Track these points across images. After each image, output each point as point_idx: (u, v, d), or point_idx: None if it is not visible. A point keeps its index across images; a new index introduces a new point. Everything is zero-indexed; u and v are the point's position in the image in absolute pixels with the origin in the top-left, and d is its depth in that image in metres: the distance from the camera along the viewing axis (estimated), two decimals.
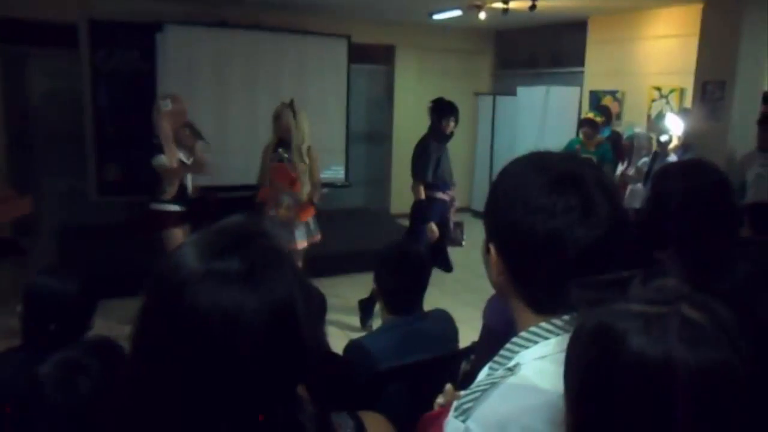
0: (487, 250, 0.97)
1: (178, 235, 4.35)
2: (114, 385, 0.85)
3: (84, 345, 1.47)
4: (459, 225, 5.03)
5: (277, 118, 4.44)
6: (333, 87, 7.74)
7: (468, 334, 2.33)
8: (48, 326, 1.85)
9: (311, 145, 4.52)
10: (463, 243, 5.12)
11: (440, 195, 4.91)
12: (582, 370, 0.69)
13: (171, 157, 4.27)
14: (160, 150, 4.26)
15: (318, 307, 2.07)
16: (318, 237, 4.72)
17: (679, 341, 0.63)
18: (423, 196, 4.83)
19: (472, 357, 2.14)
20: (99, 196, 6.76)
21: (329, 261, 5.85)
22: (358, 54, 8.03)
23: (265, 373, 0.75)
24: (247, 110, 6.98)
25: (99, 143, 6.75)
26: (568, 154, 1.01)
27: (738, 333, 0.65)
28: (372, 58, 8.67)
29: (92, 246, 5.90)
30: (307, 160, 4.46)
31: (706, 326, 0.64)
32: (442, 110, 4.87)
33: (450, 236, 4.94)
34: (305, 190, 4.48)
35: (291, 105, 4.47)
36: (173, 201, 4.38)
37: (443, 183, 4.91)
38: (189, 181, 4.54)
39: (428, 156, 4.84)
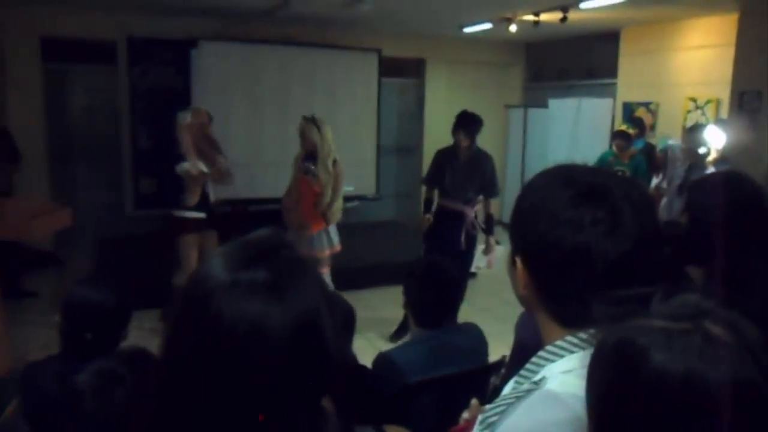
0: (513, 263, 0.97)
1: (193, 241, 4.54)
2: (146, 394, 0.87)
3: (120, 355, 1.51)
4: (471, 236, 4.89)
5: (302, 134, 4.53)
6: (364, 100, 7.80)
7: (500, 349, 2.31)
8: (84, 336, 1.89)
9: (337, 158, 4.58)
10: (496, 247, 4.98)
11: (448, 203, 4.88)
12: (604, 386, 0.69)
13: (193, 166, 4.45)
14: (183, 159, 4.48)
15: (346, 319, 2.08)
16: (338, 248, 4.76)
17: (701, 358, 0.62)
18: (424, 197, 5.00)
19: (502, 371, 2.12)
20: (135, 210, 6.92)
21: (359, 273, 5.87)
22: (389, 67, 8.09)
23: (289, 383, 0.76)
24: (279, 124, 7.08)
25: (135, 157, 6.92)
26: (595, 167, 1.00)
27: (764, 351, 0.64)
28: (402, 71, 8.71)
29: (128, 258, 6.03)
30: (332, 172, 4.53)
31: (728, 343, 0.63)
32: (454, 123, 4.89)
33: (460, 248, 4.81)
34: (325, 200, 4.55)
35: (313, 119, 4.55)
36: (193, 208, 4.57)
37: (453, 193, 4.87)
38: (211, 190, 4.69)
39: (433, 165, 4.96)
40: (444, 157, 4.93)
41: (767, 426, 0.63)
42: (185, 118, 4.54)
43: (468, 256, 4.85)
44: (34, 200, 5.13)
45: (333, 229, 4.73)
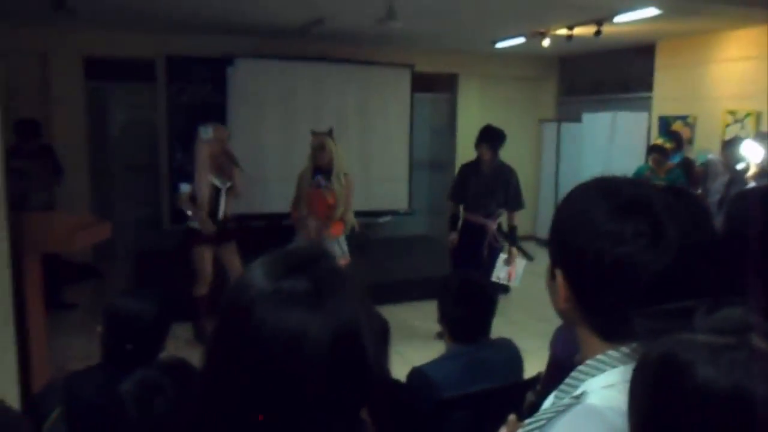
0: (553, 277, 0.96)
1: (206, 252, 4.67)
2: (186, 404, 0.89)
3: (161, 365, 1.53)
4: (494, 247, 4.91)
5: (322, 148, 4.65)
6: (396, 116, 7.84)
7: (535, 364, 2.29)
8: (125, 346, 1.93)
9: (347, 171, 4.77)
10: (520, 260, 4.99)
11: (472, 217, 4.97)
12: (646, 402, 0.68)
13: (201, 181, 4.57)
14: (188, 177, 4.62)
15: (381, 333, 2.08)
16: (348, 259, 4.85)
17: (747, 373, 0.61)
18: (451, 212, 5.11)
19: (538, 387, 2.09)
20: (171, 224, 7.05)
21: (392, 288, 5.86)
22: (421, 83, 8.12)
23: (328, 394, 0.76)
24: None
25: (172, 173, 7.05)
26: (636, 179, 0.99)
27: None
28: (435, 86, 8.74)
29: (164, 271, 6.13)
30: (344, 184, 4.72)
31: None
32: (477, 137, 5.03)
33: (481, 261, 4.85)
34: (339, 212, 4.72)
35: (330, 134, 4.71)
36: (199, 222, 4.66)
37: (476, 206, 4.95)
38: (222, 204, 4.78)
39: (457, 179, 5.13)
40: (468, 170, 5.04)
41: None
42: (207, 133, 4.66)
43: (490, 269, 4.87)
44: (76, 214, 5.27)
45: (342, 240, 4.86)
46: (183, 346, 4.24)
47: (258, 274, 0.81)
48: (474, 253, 4.85)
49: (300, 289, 0.78)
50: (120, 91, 7.39)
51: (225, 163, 4.73)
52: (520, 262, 4.98)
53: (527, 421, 0.90)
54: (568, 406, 0.86)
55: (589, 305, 0.91)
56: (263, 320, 0.75)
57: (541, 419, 0.88)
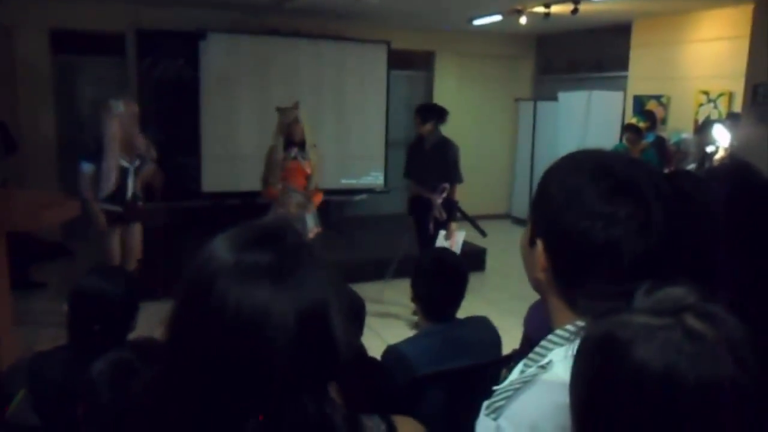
0: (532, 244, 0.95)
1: (113, 233, 4.48)
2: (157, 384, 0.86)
3: (133, 345, 1.50)
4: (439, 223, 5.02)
5: (297, 121, 4.71)
6: (372, 93, 7.77)
7: (510, 343, 2.28)
8: (92, 326, 1.88)
9: (315, 143, 4.91)
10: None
11: (419, 190, 5.11)
12: (586, 379, 0.69)
13: (111, 159, 4.30)
14: (94, 153, 4.31)
15: (356, 311, 2.07)
16: (319, 230, 4.95)
17: (680, 354, 0.62)
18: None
19: (512, 365, 2.10)
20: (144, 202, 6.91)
21: (368, 266, 5.85)
22: (398, 60, 8.05)
23: (293, 370, 0.74)
24: None
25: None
26: (627, 156, 0.99)
27: (747, 346, 0.63)
28: (412, 63, 8.67)
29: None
30: (319, 154, 4.90)
31: (709, 339, 0.62)
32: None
33: (428, 234, 4.97)
34: (316, 180, 4.89)
35: (297, 107, 4.79)
36: (109, 201, 4.40)
37: (420, 180, 5.10)
38: (130, 184, 4.51)
39: (406, 156, 5.38)
40: (413, 147, 5.29)
41: (747, 423, 0.62)
42: (118, 107, 4.38)
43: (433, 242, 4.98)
44: (43, 192, 5.15)
45: (314, 211, 4.98)
46: (156, 326, 4.18)
47: (221, 247, 0.78)
48: (422, 227, 5.01)
49: (263, 262, 0.75)
50: (89, 66, 7.18)
51: (134, 142, 4.46)
52: (460, 234, 5.13)
53: (496, 389, 0.90)
54: (534, 376, 0.86)
55: (569, 280, 0.91)
56: (225, 293, 0.73)
57: (509, 389, 0.88)
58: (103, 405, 1.31)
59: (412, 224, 5.20)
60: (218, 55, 6.87)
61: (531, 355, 0.93)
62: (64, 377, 1.68)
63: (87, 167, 4.34)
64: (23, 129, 6.39)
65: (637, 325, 0.65)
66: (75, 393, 1.41)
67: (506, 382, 0.91)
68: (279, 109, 4.84)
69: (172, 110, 6.90)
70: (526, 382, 0.86)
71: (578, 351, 0.71)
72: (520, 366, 0.96)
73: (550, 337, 0.91)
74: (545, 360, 0.88)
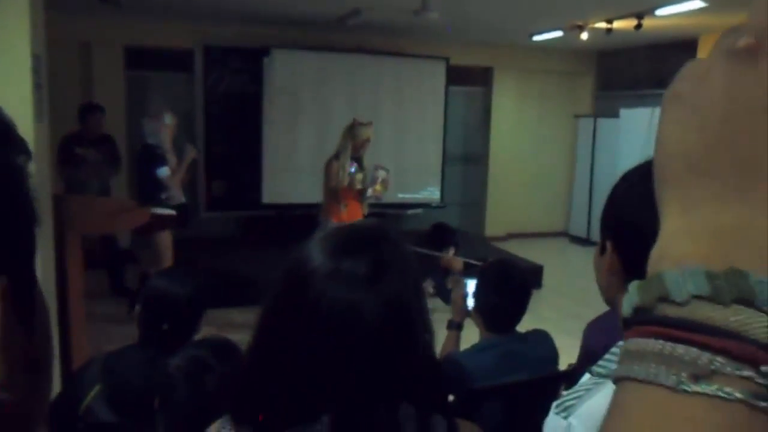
0: (602, 250, 0.98)
1: (168, 239, 4.79)
2: (233, 382, 0.90)
3: (207, 343, 1.56)
4: None
5: (368, 140, 4.72)
6: (431, 108, 7.81)
7: (566, 362, 2.26)
8: (161, 326, 1.97)
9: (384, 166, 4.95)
10: None
11: None
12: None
13: (173, 166, 4.73)
14: (162, 160, 4.71)
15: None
16: None
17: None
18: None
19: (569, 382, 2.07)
20: (207, 211, 7.15)
21: None
22: (456, 75, 8.08)
23: (376, 369, 0.78)
24: None
25: (208, 161, 7.15)
26: None
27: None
28: (470, 79, 8.67)
29: (200, 258, 6.22)
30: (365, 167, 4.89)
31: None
32: None
33: None
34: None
35: (371, 126, 4.81)
36: (163, 205, 4.76)
37: None
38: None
39: None
40: None
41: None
42: (171, 119, 4.83)
43: None
44: (115, 199, 5.41)
45: None
46: (215, 332, 4.29)
47: (319, 249, 0.82)
48: None
49: (360, 271, 0.79)
50: (159, 81, 7.50)
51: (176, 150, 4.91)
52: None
53: (565, 393, 0.91)
54: (606, 378, 0.87)
55: (634, 277, 0.91)
56: (320, 296, 0.77)
57: (580, 390, 0.89)
58: (179, 400, 1.36)
59: None
60: (281, 71, 7.05)
61: (601, 361, 0.93)
62: (138, 374, 1.76)
63: (164, 171, 4.71)
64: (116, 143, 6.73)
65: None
66: (150, 389, 1.49)
67: (577, 384, 0.92)
68: (357, 124, 4.75)
69: (235, 123, 7.13)
70: (597, 384, 0.87)
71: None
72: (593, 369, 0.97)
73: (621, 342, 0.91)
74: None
